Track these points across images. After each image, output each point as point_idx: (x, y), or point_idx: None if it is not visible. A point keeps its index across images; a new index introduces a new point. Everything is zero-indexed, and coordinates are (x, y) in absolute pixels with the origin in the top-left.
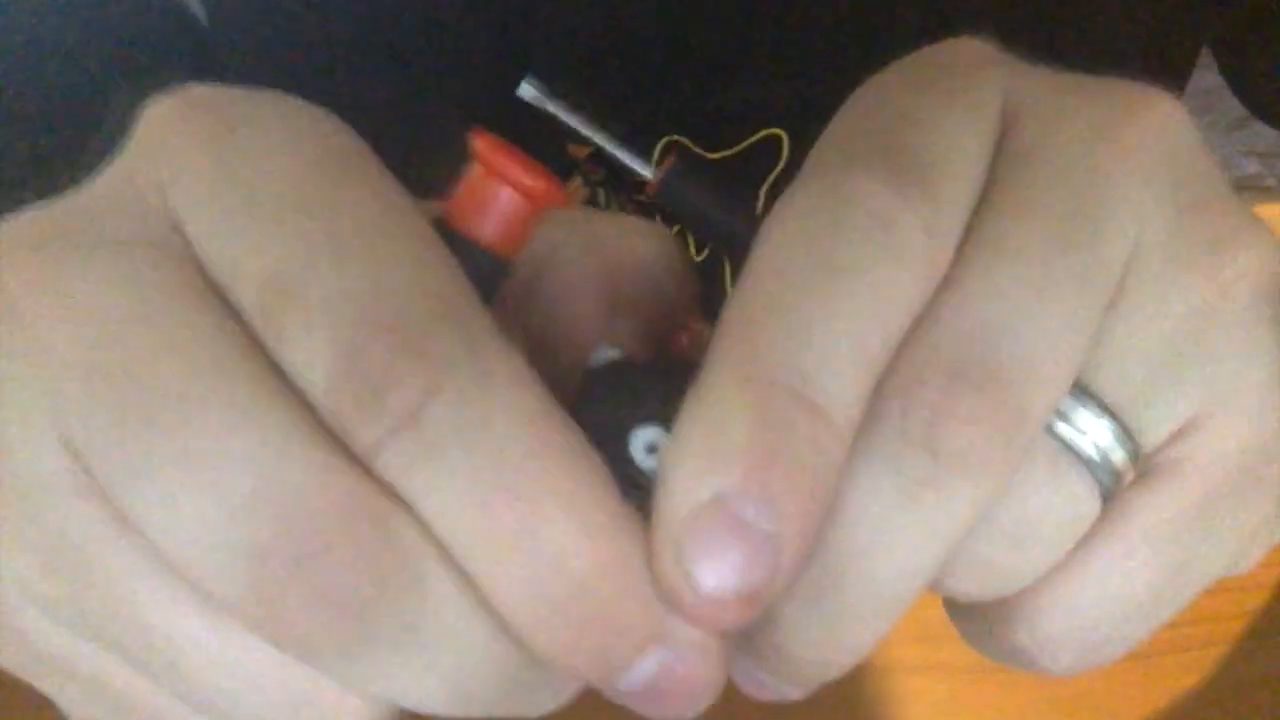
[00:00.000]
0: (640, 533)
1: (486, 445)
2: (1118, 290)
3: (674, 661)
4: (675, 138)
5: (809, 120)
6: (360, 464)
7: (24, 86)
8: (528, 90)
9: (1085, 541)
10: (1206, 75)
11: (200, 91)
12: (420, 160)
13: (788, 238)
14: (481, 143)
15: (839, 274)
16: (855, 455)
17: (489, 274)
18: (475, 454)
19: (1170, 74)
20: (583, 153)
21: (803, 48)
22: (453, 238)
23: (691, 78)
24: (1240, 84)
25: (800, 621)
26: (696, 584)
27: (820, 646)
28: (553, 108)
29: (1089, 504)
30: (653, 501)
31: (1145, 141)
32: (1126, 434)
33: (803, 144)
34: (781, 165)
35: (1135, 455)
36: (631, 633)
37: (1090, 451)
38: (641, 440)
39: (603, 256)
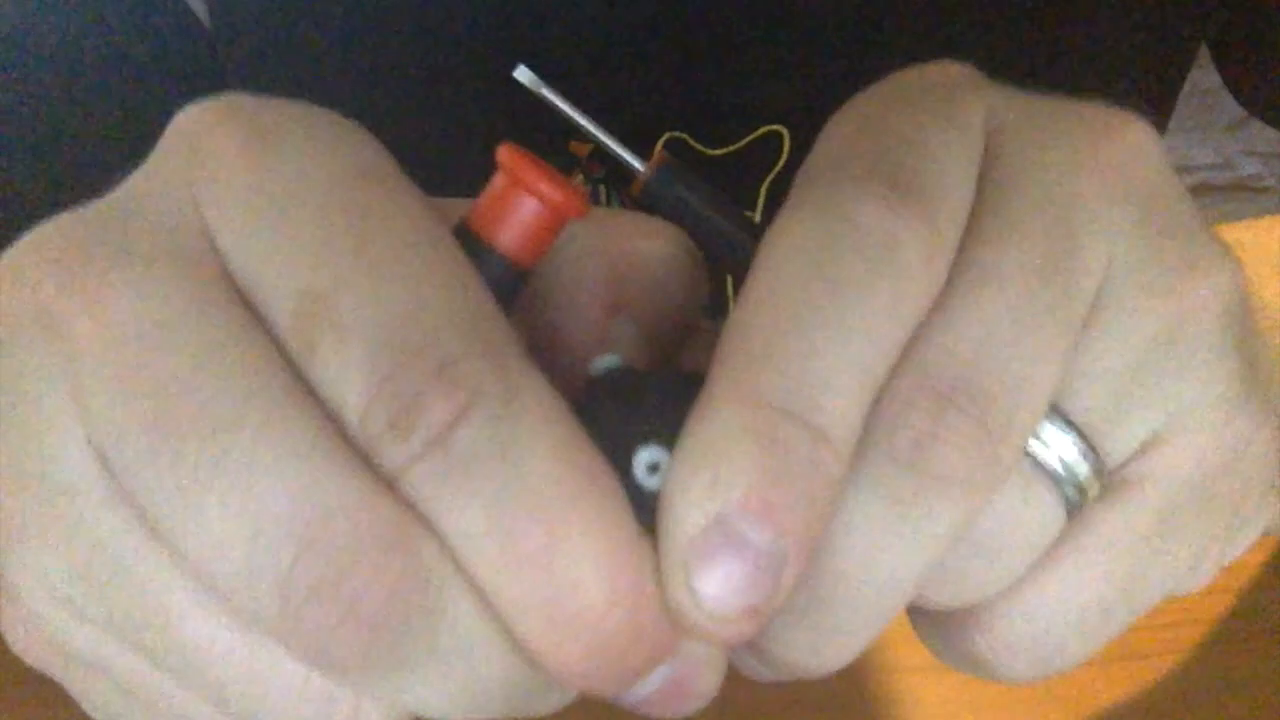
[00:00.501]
0: (652, 554)
1: (511, 469)
2: (1090, 313)
3: (680, 674)
4: (676, 134)
5: (810, 117)
6: (386, 483)
7: (23, 85)
8: (524, 74)
9: (1047, 552)
10: (1206, 75)
11: (234, 100)
12: (424, 156)
13: (786, 258)
14: (507, 154)
15: (839, 295)
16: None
17: (508, 282)
18: (500, 478)
19: (1167, 74)
20: (584, 150)
21: (804, 44)
22: (473, 245)
23: (693, 74)
24: (1237, 84)
25: (789, 629)
26: (702, 602)
27: (807, 652)
28: (547, 93)
29: (1055, 518)
30: (657, 520)
31: (1118, 168)
32: (1092, 451)
33: (804, 141)
34: (783, 162)
35: (1100, 471)
36: (643, 653)
37: (1057, 467)
38: (644, 460)
39: (609, 256)
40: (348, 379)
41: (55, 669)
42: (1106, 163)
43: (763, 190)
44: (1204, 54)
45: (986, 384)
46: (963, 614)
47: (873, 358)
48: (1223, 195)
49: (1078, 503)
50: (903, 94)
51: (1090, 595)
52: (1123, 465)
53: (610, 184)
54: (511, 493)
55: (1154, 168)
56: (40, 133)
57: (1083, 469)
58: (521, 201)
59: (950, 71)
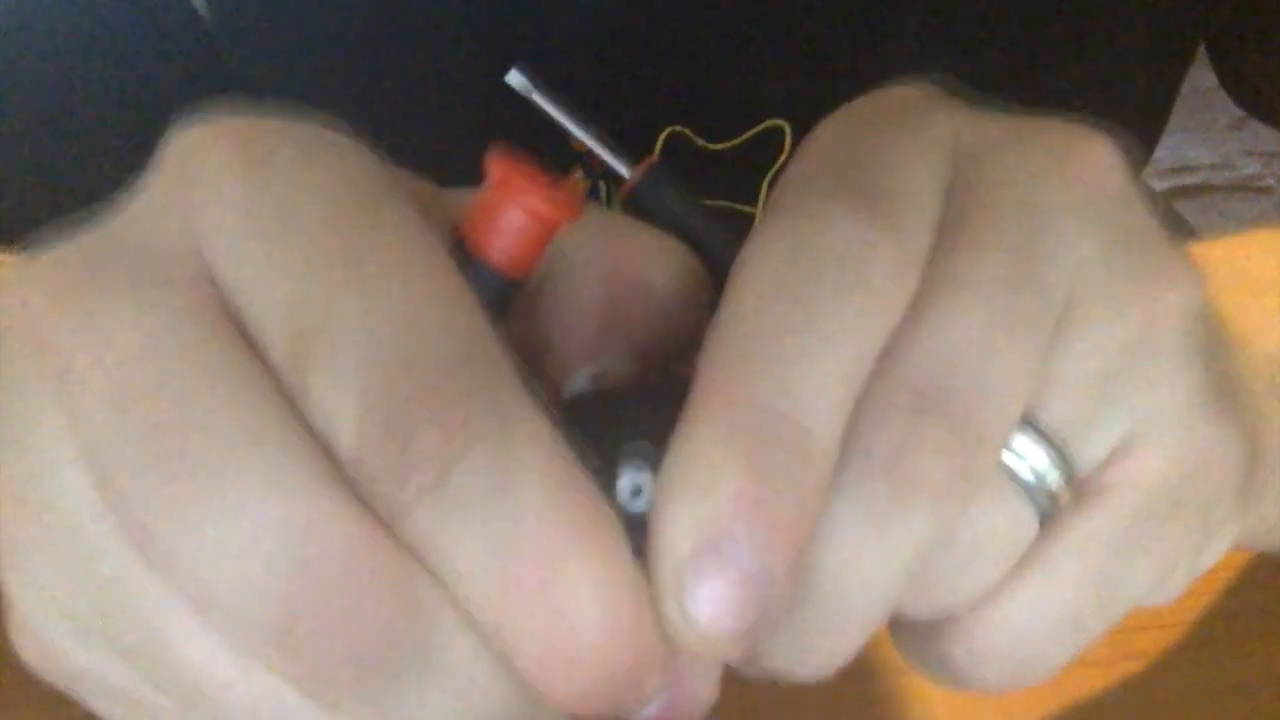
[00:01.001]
0: (644, 587)
1: (508, 507)
2: (1058, 322)
3: (678, 696)
4: (678, 128)
5: (813, 111)
6: (381, 518)
7: (24, 80)
8: (516, 78)
9: (1021, 560)
10: (1206, 75)
11: (229, 119)
12: (424, 148)
13: (761, 273)
14: (498, 163)
15: (815, 307)
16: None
17: (499, 294)
18: (497, 517)
19: (1167, 72)
20: (583, 147)
21: (806, 38)
22: (466, 259)
23: (695, 68)
24: (1233, 82)
25: (772, 640)
26: (695, 625)
27: (791, 661)
28: (537, 98)
29: (1028, 526)
30: (645, 544)
31: (1084, 181)
32: (1062, 459)
33: (806, 135)
34: (785, 157)
35: (1071, 479)
36: (645, 680)
37: (1029, 477)
38: (628, 485)
39: (606, 276)
40: (340, 412)
41: (64, 683)
42: (1072, 176)
43: (764, 185)
44: (1203, 53)
45: (960, 393)
46: (939, 624)
47: (847, 368)
48: (1223, 195)
49: (1050, 510)
50: (871, 113)
51: (1063, 601)
52: (1093, 472)
53: (611, 180)
54: (509, 531)
55: (1118, 181)
56: (39, 124)
57: (1054, 477)
58: (511, 214)
59: (919, 91)
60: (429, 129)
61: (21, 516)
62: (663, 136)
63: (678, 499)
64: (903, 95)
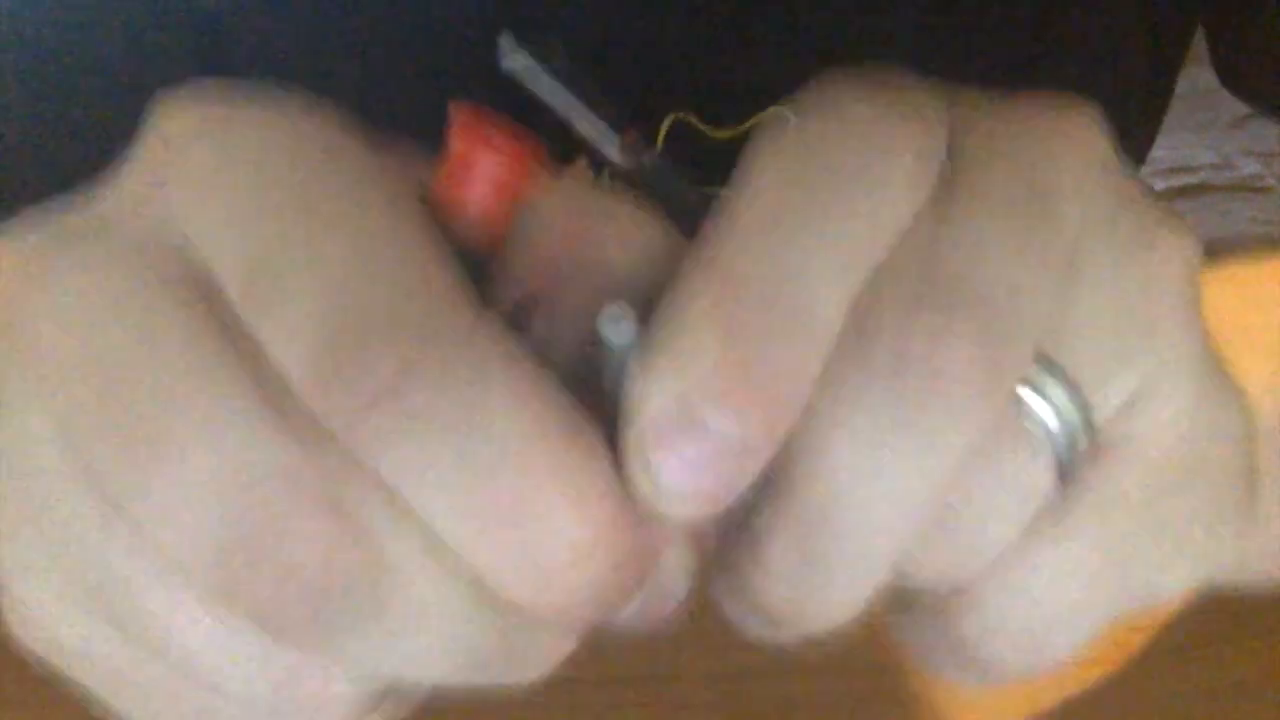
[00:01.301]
0: (631, 506)
1: (472, 417)
2: (1068, 265)
3: (654, 594)
4: (681, 115)
5: None
6: (335, 446)
7: (27, 70)
8: (505, 43)
9: (1035, 519)
10: (1207, 75)
11: (203, 90)
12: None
13: (783, 145)
14: (460, 115)
15: (826, 187)
16: (841, 383)
17: (471, 254)
18: (459, 430)
19: (1164, 56)
20: None
21: (810, 24)
22: (437, 216)
23: (698, 54)
24: (1225, 62)
25: (782, 560)
26: (660, 484)
27: (800, 588)
28: (515, 64)
29: (1045, 480)
30: (623, 394)
31: (1080, 140)
32: (1084, 405)
33: None
34: None
35: (1090, 427)
36: (624, 588)
37: (1050, 418)
38: (607, 314)
39: (579, 259)
40: (293, 343)
41: (58, 662)
42: (1069, 134)
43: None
44: (1202, 53)
45: (990, 292)
46: (954, 599)
47: (860, 253)
48: (1223, 195)
49: (1068, 461)
50: (865, 73)
51: (1083, 565)
52: (1108, 425)
53: (613, 170)
54: (473, 446)
55: (1106, 146)
56: (41, 111)
57: (1075, 421)
58: (480, 170)
59: (898, 70)
60: (437, 111)
61: (7, 492)
62: (666, 123)
63: (655, 356)
64: (886, 68)
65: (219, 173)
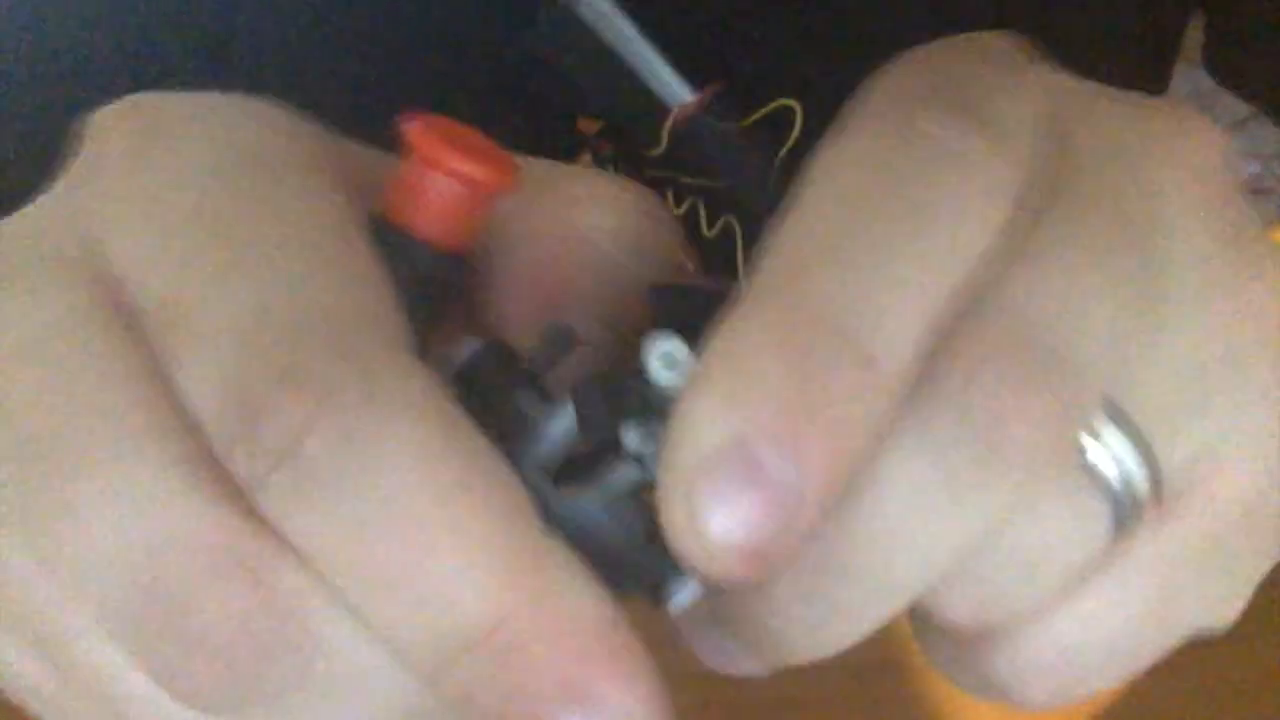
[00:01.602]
0: (564, 567)
1: (367, 478)
2: (1159, 305)
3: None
4: (686, 108)
5: (824, 90)
6: (247, 504)
7: (26, 75)
8: None
9: (1084, 569)
10: (1206, 77)
11: (137, 98)
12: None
13: (852, 167)
14: (415, 128)
15: (910, 209)
16: (899, 424)
17: (441, 271)
18: (355, 488)
19: (1159, 47)
20: (592, 128)
21: (818, 17)
22: (389, 236)
23: (706, 47)
24: (1219, 53)
25: (794, 598)
26: (703, 532)
27: (806, 628)
28: (589, 7)
29: (1101, 533)
30: (667, 431)
31: (1192, 165)
32: (1150, 459)
33: (817, 115)
34: (795, 136)
35: (1156, 485)
36: (549, 681)
37: (1113, 473)
38: (658, 350)
39: (546, 239)
40: (202, 389)
41: (9, 689)
42: (1182, 161)
43: (776, 165)
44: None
45: (1069, 340)
46: (986, 635)
47: (939, 286)
48: None
49: (1128, 517)
50: (965, 48)
51: (1126, 621)
52: (1171, 482)
53: (620, 164)
54: (368, 504)
55: (1223, 169)
56: (44, 109)
57: (1140, 478)
58: (438, 183)
59: (1009, 41)
60: (440, 109)
61: None
62: (671, 117)
63: (715, 384)
64: (994, 40)
65: (138, 195)
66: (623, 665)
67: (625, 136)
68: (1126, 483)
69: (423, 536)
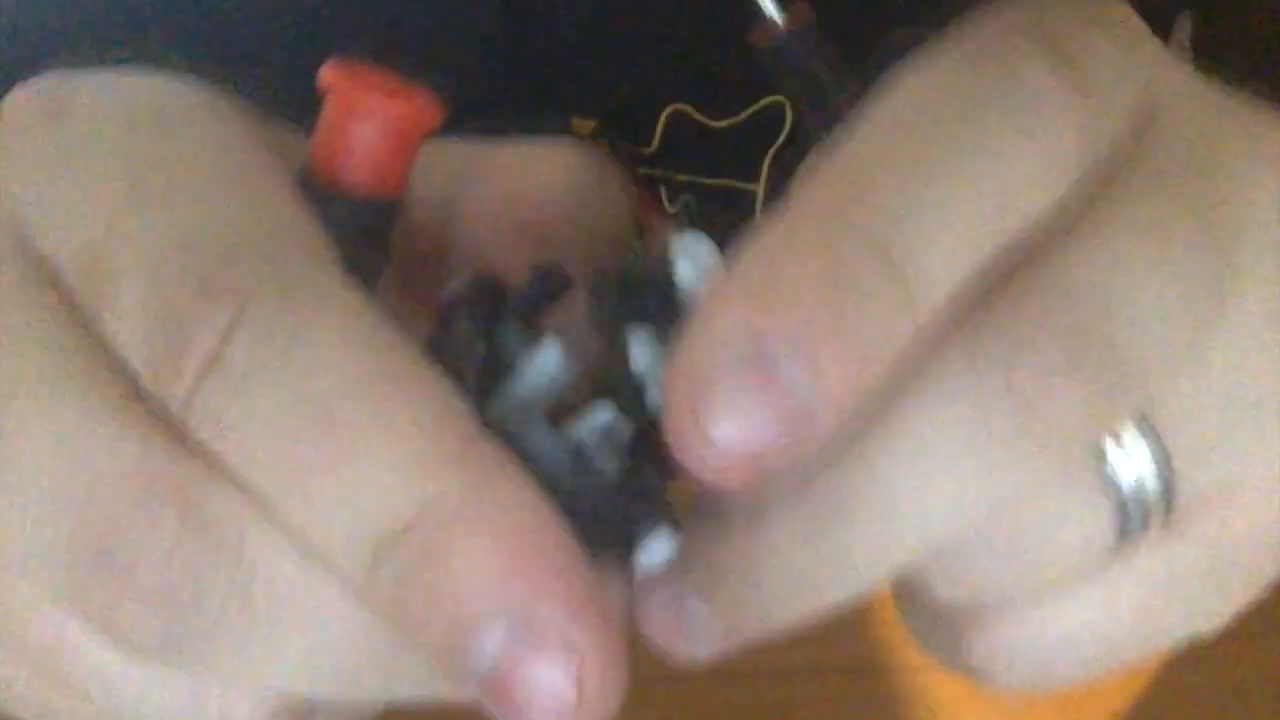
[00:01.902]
0: (492, 464)
1: (289, 377)
2: (1217, 324)
3: (524, 638)
4: (679, 106)
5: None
6: (179, 437)
7: (16, 65)
8: None
9: (1080, 570)
10: None
11: (44, 78)
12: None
13: (927, 87)
14: (332, 74)
15: (981, 142)
16: (928, 376)
17: (371, 220)
18: (276, 387)
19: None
20: (587, 129)
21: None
22: (315, 188)
23: (694, 44)
24: (1207, 54)
25: (789, 536)
26: (704, 427)
27: (791, 578)
28: None
29: (1105, 539)
30: (683, 329)
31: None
32: (1169, 478)
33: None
34: (785, 133)
35: (1169, 503)
36: (475, 583)
37: (1128, 481)
38: (687, 250)
39: (506, 193)
40: (126, 324)
41: None
42: (1270, 166)
43: (766, 162)
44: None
45: (1118, 337)
46: (968, 616)
47: (996, 231)
48: None
49: (1134, 529)
50: (1076, 4)
51: (1112, 626)
52: (1187, 504)
53: (615, 159)
54: (290, 403)
55: None
56: None
57: (1154, 495)
58: (358, 127)
59: (1122, 8)
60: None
61: None
62: (664, 115)
63: (742, 280)
64: (1110, 6)
65: (53, 158)
66: (553, 569)
67: (618, 135)
68: (1139, 496)
69: (343, 431)
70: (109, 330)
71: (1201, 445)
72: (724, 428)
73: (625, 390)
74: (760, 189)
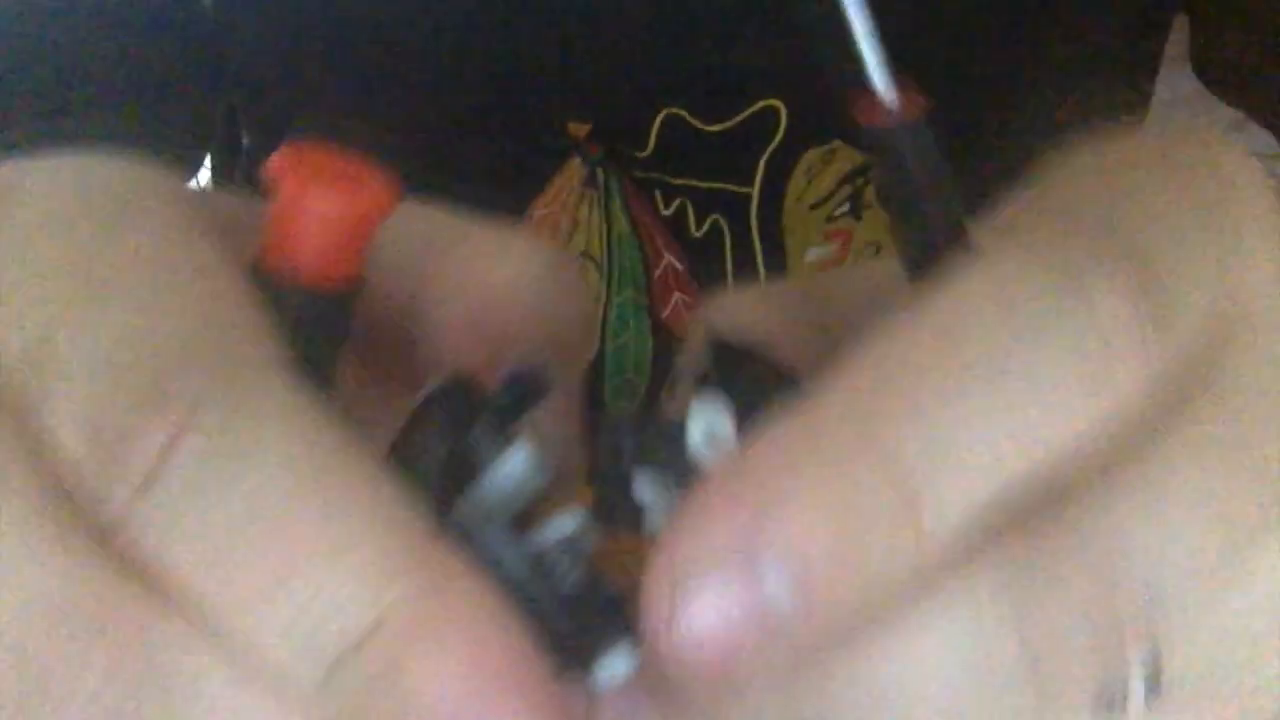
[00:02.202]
0: (448, 570)
1: (234, 492)
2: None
3: None
4: (674, 109)
5: (807, 90)
6: (118, 554)
7: (23, 70)
8: None
9: None
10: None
11: None
12: (419, 128)
13: (986, 290)
14: (279, 161)
15: (1028, 362)
16: (943, 594)
17: (324, 309)
18: (222, 503)
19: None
20: (583, 131)
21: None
22: (266, 281)
23: (689, 47)
24: (1204, 57)
25: (773, 707)
26: (677, 614)
27: None
28: None
29: None
30: (686, 497)
31: None
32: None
33: (801, 114)
34: (780, 136)
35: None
36: (434, 703)
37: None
38: (703, 416)
39: (466, 289)
40: (66, 435)
41: None
42: None
43: (760, 165)
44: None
45: (1152, 604)
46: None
47: (1026, 455)
48: None
49: None
50: (1172, 172)
51: None
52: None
53: (609, 166)
54: (236, 520)
55: None
56: (37, 114)
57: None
58: (310, 221)
59: (1234, 154)
60: (429, 113)
61: None
62: (659, 119)
63: (749, 477)
64: (1219, 157)
65: None
66: (511, 684)
67: (614, 139)
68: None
69: (292, 548)
70: (49, 434)
71: (1199, 684)
72: (696, 618)
73: (625, 515)
74: (755, 192)
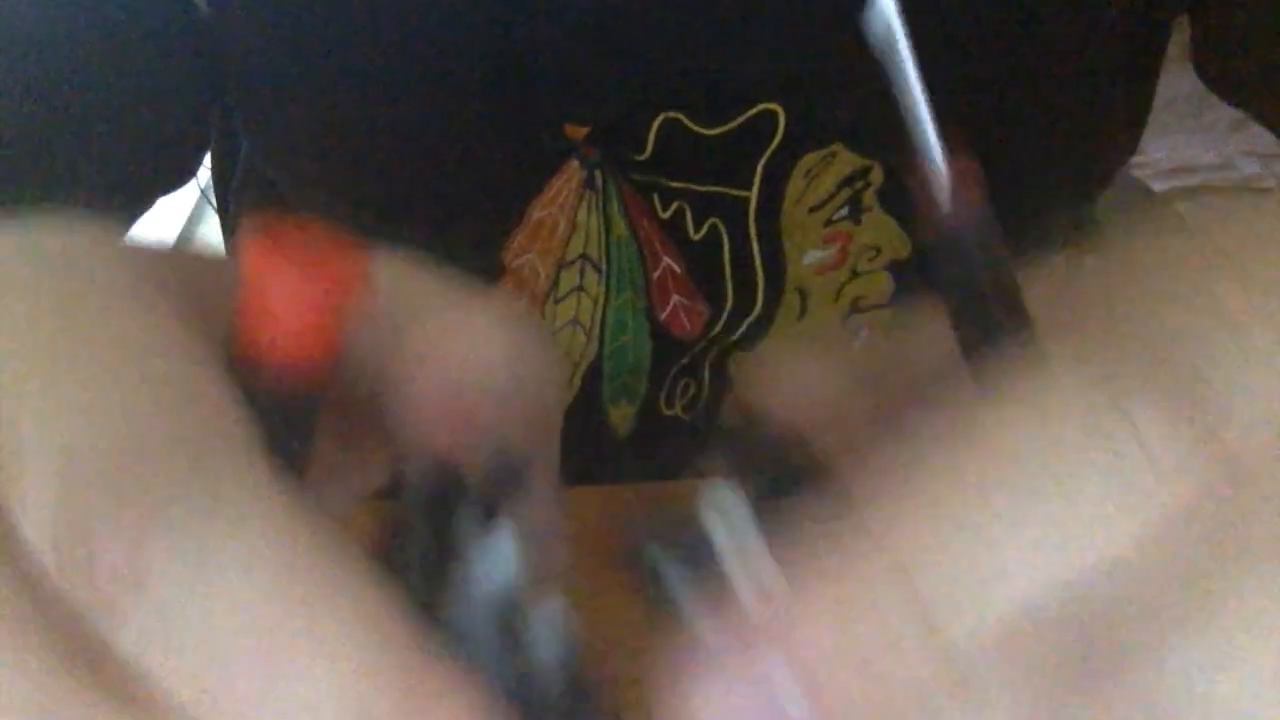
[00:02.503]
0: (433, 675)
1: (210, 595)
2: None
3: None
4: (672, 114)
5: (804, 94)
6: (87, 651)
7: (15, 72)
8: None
9: None
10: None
11: None
12: (415, 131)
13: (1029, 417)
14: (249, 251)
15: (1065, 501)
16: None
17: (297, 391)
18: (199, 607)
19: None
20: (580, 133)
21: (799, 20)
22: (237, 365)
23: (687, 52)
24: (1204, 55)
25: None
26: (687, 702)
27: None
28: (900, 45)
29: None
30: (701, 603)
31: None
32: None
33: (799, 118)
34: (778, 140)
35: None
36: None
37: None
38: (714, 498)
39: (439, 367)
40: (37, 530)
41: None
42: None
43: (758, 169)
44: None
45: None
46: None
47: (1060, 575)
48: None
49: None
50: (1231, 288)
51: None
52: None
53: (607, 169)
54: (213, 623)
55: None
56: (31, 116)
57: None
58: (278, 310)
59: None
60: (428, 115)
61: None
62: (657, 122)
63: (772, 595)
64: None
65: None
66: None
67: (612, 142)
68: None
69: (273, 655)
70: (21, 532)
71: None
72: (707, 713)
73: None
74: (753, 195)
